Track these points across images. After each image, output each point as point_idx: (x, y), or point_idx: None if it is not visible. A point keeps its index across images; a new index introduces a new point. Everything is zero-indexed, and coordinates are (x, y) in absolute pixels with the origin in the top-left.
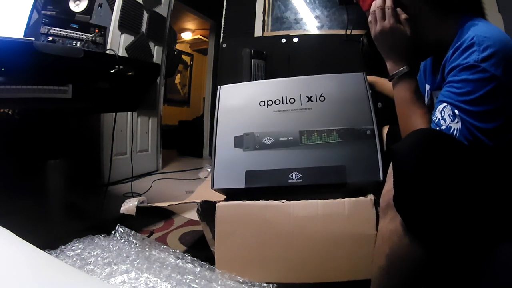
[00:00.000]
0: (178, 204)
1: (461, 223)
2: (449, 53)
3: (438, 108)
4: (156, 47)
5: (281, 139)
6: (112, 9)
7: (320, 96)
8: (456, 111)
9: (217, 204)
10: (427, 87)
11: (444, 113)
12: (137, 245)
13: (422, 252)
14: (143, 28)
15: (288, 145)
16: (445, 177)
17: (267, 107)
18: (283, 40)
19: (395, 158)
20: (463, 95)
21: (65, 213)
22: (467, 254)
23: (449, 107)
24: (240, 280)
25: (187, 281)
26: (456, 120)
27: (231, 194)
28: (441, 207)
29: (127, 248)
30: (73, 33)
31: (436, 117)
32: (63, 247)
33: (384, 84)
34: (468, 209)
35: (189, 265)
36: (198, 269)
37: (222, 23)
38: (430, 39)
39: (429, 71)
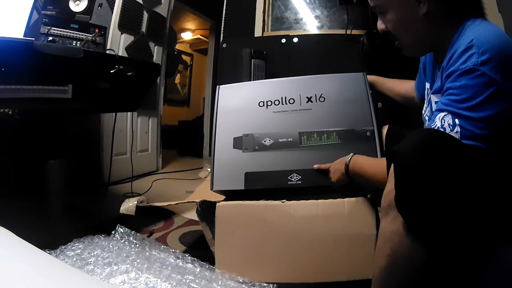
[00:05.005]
0: (177, 204)
1: (463, 224)
2: (447, 55)
3: (438, 116)
4: (156, 47)
5: (280, 140)
6: (112, 9)
7: (320, 97)
8: (457, 121)
9: (217, 204)
10: (427, 85)
11: (444, 122)
12: (137, 245)
13: (424, 253)
14: (143, 28)
15: (288, 147)
16: (446, 178)
17: (267, 107)
18: (283, 40)
19: (397, 159)
20: (463, 101)
21: (65, 213)
22: (469, 255)
23: (450, 116)
24: (240, 280)
25: (187, 281)
26: (456, 129)
27: (231, 196)
28: (442, 208)
29: (127, 248)
30: (73, 33)
31: (436, 125)
32: (63, 247)
33: (384, 84)
34: (469, 210)
35: (189, 265)
36: (198, 269)
37: (222, 23)
38: (431, 38)
39: (429, 69)
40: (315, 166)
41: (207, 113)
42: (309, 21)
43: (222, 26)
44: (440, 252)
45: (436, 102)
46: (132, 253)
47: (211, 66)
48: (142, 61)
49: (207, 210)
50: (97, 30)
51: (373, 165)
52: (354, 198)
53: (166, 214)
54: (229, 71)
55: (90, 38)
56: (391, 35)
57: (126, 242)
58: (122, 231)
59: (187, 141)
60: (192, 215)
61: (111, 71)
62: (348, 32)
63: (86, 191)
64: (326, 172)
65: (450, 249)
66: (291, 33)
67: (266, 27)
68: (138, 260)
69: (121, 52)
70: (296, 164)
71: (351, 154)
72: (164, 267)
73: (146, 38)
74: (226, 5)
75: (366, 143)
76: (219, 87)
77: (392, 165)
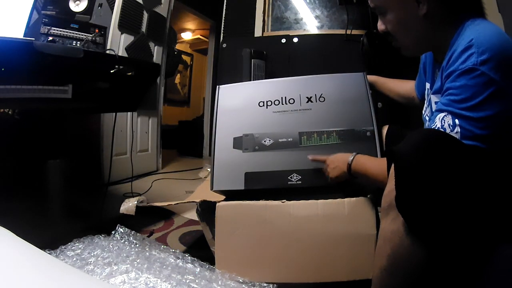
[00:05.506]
0: (177, 204)
1: (463, 224)
2: (447, 55)
3: (438, 116)
4: (156, 47)
5: (280, 140)
6: (112, 9)
7: (320, 97)
8: (457, 121)
9: (217, 204)
10: (427, 85)
11: (444, 122)
12: (137, 245)
13: (424, 253)
14: (143, 28)
15: (288, 147)
16: (447, 178)
17: (266, 107)
18: (283, 40)
19: (397, 159)
20: (463, 101)
21: (65, 213)
22: (469, 255)
23: (450, 116)
24: (240, 280)
25: (187, 281)
26: (456, 130)
27: (231, 196)
28: (442, 208)
29: (127, 248)
30: (73, 33)
31: (436, 125)
32: (63, 247)
33: (384, 84)
34: (469, 210)
35: (189, 265)
36: (198, 269)
37: (222, 23)
38: (431, 38)
39: (429, 69)
40: (310, 156)
41: (207, 113)
42: (309, 21)
43: (222, 26)
44: (441, 252)
45: (436, 103)
46: (132, 253)
47: (211, 66)
48: (142, 61)
49: (207, 210)
50: (97, 30)
51: (375, 165)
52: (354, 198)
53: (166, 214)
54: (229, 71)
55: (90, 38)
56: (391, 36)
57: (126, 242)
58: (122, 231)
59: (187, 141)
60: (192, 215)
61: (111, 71)
62: (348, 32)
63: (86, 191)
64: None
65: (450, 249)
66: (291, 33)
67: (266, 27)
68: (138, 260)
69: (121, 52)
70: (296, 164)
71: (354, 153)
72: (164, 267)
73: (146, 38)
74: (226, 5)
75: (366, 143)
76: (219, 87)
77: (392, 165)
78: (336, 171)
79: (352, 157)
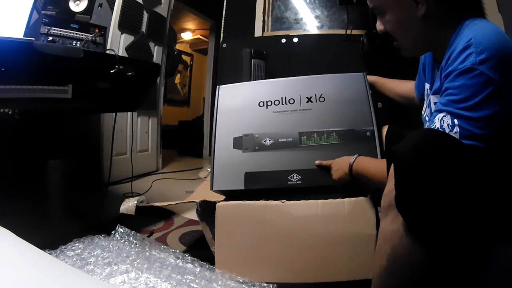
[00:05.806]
0: (177, 204)
1: (463, 224)
2: (446, 55)
3: (437, 116)
4: (156, 47)
5: (280, 140)
6: (112, 9)
7: (320, 97)
8: (456, 121)
9: (217, 204)
10: (427, 86)
11: (443, 122)
12: (137, 245)
13: (424, 253)
14: (143, 28)
15: (288, 147)
16: (446, 178)
17: (266, 107)
18: (283, 40)
19: (397, 159)
20: (462, 101)
21: (65, 213)
22: (469, 255)
23: (449, 116)
24: (240, 280)
25: (187, 281)
26: (455, 130)
27: (231, 196)
28: (442, 207)
29: (127, 248)
30: (73, 33)
31: (435, 125)
32: (63, 247)
33: (384, 84)
34: (469, 209)
35: (189, 265)
36: (198, 269)
37: (222, 23)
38: (430, 38)
39: (428, 69)
40: (316, 162)
41: (207, 113)
42: (309, 21)
43: (222, 26)
44: (440, 252)
45: (435, 103)
46: (132, 253)
47: (211, 66)
48: (142, 61)
49: (207, 210)
50: (97, 30)
51: (377, 166)
52: (354, 198)
53: (166, 214)
54: (229, 71)
55: (90, 38)
56: (390, 36)
57: (126, 242)
58: (122, 231)
59: (187, 141)
60: (192, 215)
61: (111, 71)
62: (348, 32)
63: (86, 191)
64: (326, 172)
65: (450, 249)
66: (291, 33)
67: (266, 27)
68: (138, 260)
69: (121, 52)
70: (296, 164)
71: (356, 155)
72: (164, 267)
73: (146, 38)
74: (226, 5)
75: (366, 143)
76: (219, 87)
77: (392, 165)
78: (338, 173)
79: (353, 159)
